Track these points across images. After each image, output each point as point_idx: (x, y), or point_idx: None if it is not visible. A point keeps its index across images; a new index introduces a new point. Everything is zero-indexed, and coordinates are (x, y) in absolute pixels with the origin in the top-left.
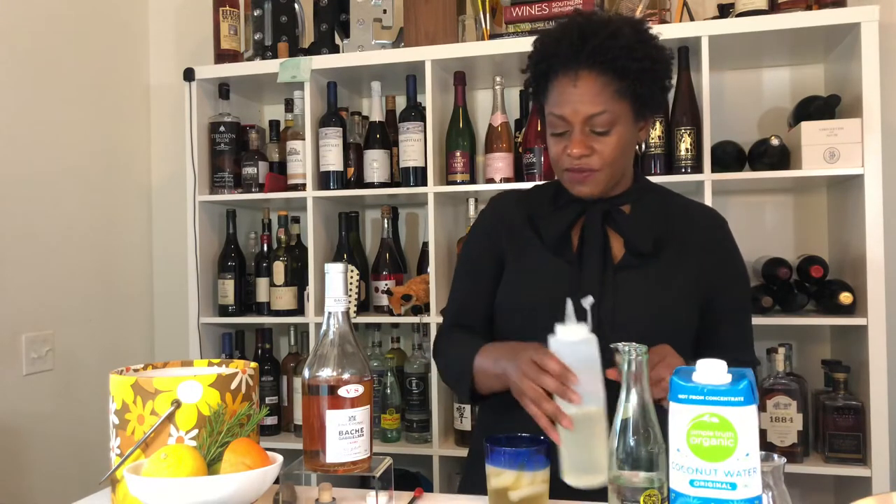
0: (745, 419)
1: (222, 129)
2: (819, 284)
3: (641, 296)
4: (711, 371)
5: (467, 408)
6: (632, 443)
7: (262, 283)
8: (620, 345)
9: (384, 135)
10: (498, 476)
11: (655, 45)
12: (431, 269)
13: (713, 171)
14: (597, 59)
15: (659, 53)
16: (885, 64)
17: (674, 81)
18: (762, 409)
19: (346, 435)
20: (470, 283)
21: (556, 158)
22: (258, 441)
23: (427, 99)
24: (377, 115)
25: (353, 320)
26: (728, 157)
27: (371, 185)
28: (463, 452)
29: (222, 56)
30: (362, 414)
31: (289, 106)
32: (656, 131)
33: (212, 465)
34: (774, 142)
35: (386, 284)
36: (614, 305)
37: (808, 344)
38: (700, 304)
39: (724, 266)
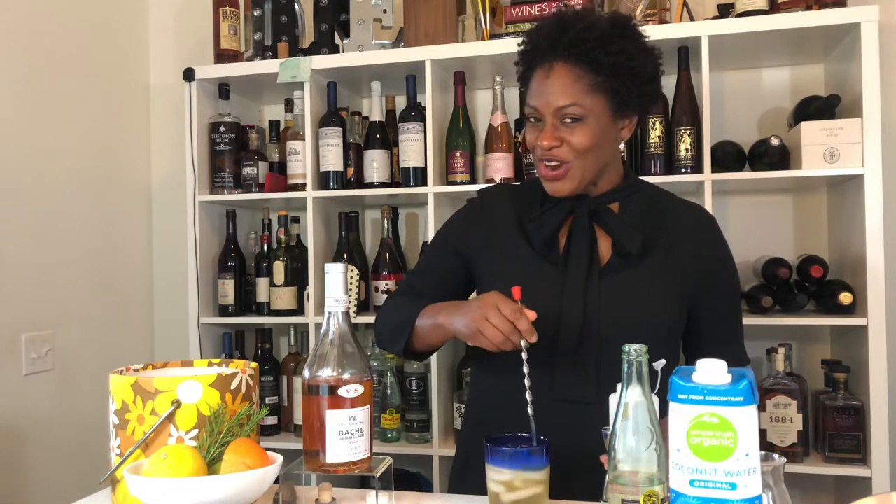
0: (745, 419)
1: (222, 129)
2: (819, 284)
3: (626, 301)
4: (711, 371)
5: None
6: (632, 443)
7: (262, 283)
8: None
9: (384, 135)
10: (498, 476)
11: (636, 42)
12: None
13: (713, 171)
14: (571, 51)
15: (639, 50)
16: (885, 64)
17: (671, 81)
18: (762, 409)
19: (346, 435)
20: (436, 262)
21: (531, 146)
22: (258, 441)
23: (427, 99)
24: (377, 115)
25: (353, 320)
26: (728, 157)
27: (371, 185)
28: None
29: (222, 56)
30: (362, 414)
31: (289, 106)
32: (656, 131)
33: (212, 465)
34: (774, 142)
35: (386, 284)
36: (599, 311)
37: (808, 344)
38: (688, 305)
39: (714, 265)
